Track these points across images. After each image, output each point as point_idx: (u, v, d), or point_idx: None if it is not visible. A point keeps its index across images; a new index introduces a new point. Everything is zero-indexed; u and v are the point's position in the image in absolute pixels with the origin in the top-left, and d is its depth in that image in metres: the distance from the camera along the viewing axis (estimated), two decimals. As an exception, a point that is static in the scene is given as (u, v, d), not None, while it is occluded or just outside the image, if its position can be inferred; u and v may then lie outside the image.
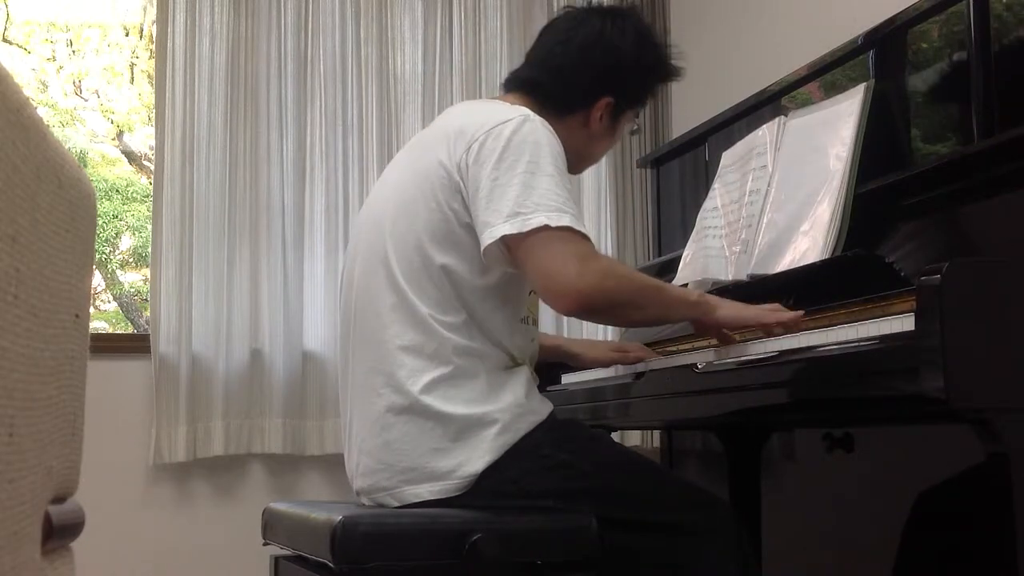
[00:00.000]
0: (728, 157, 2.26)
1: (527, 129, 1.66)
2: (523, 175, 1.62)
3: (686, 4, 3.59)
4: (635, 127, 2.00)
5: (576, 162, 1.89)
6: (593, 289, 1.60)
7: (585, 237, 1.63)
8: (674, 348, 2.06)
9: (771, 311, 1.69)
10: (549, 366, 2.37)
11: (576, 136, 1.85)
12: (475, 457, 1.63)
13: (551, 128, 1.70)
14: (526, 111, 1.71)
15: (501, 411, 1.66)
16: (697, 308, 1.74)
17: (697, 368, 1.76)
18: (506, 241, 1.60)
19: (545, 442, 1.67)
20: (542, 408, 1.72)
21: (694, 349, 1.96)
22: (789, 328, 1.65)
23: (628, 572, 1.66)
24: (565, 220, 1.60)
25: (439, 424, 1.64)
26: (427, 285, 1.68)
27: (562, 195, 1.63)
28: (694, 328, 1.83)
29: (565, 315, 1.71)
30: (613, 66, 1.85)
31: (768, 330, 1.67)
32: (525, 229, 1.59)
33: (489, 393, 1.67)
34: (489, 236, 1.61)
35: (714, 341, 1.80)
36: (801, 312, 1.67)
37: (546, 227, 1.59)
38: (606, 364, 2.14)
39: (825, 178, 1.88)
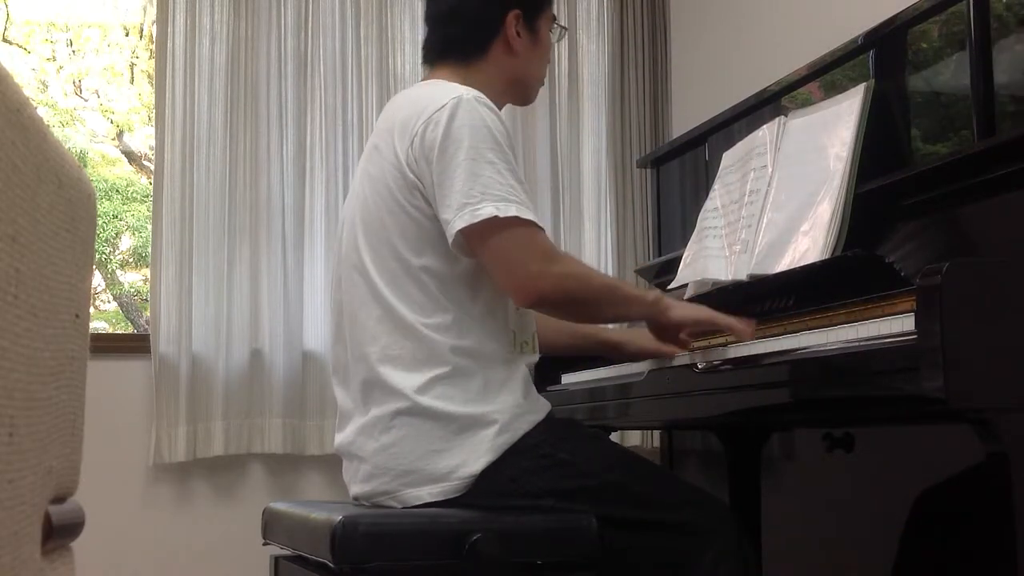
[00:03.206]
0: (728, 158, 2.26)
1: (463, 112, 1.65)
2: (465, 162, 1.62)
3: (686, 4, 3.59)
4: (561, 31, 1.95)
5: (522, 91, 1.86)
6: (553, 288, 1.66)
7: (537, 226, 1.65)
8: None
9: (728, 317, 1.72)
10: (549, 367, 2.37)
11: (508, 65, 1.83)
12: (474, 457, 1.63)
13: (486, 102, 1.69)
14: (459, 90, 1.69)
15: (499, 411, 1.66)
16: (653, 307, 1.77)
17: (697, 368, 1.76)
18: (462, 234, 1.61)
19: (544, 441, 1.67)
20: (540, 408, 1.72)
21: (694, 349, 1.96)
22: (741, 334, 1.68)
23: (628, 572, 1.66)
24: (512, 210, 1.61)
25: (437, 425, 1.64)
26: (411, 290, 1.67)
27: (506, 181, 1.63)
28: (650, 329, 1.85)
29: (522, 307, 1.73)
30: None
31: (725, 331, 1.71)
32: (475, 221, 1.60)
33: (487, 393, 1.66)
34: (449, 233, 1.62)
35: (715, 340, 1.80)
36: (754, 321, 1.70)
37: (495, 218, 1.60)
38: (655, 353, 1.99)
39: (825, 178, 1.88)
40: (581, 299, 1.72)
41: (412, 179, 1.67)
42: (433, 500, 1.64)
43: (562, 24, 1.95)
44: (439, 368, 1.65)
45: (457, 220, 1.61)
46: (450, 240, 1.63)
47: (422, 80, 1.93)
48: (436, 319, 1.66)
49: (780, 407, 1.64)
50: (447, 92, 1.70)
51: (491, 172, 1.63)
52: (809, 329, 1.60)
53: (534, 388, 1.76)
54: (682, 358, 1.86)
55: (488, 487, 1.63)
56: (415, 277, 1.67)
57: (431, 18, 1.89)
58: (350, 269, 1.75)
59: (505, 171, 1.64)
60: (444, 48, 1.85)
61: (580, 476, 1.65)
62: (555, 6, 1.94)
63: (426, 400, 1.64)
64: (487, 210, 1.60)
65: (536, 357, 1.80)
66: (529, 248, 1.64)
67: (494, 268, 1.66)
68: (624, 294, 1.79)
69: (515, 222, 1.62)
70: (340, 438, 1.80)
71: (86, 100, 5.82)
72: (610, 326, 2.36)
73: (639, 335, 2.06)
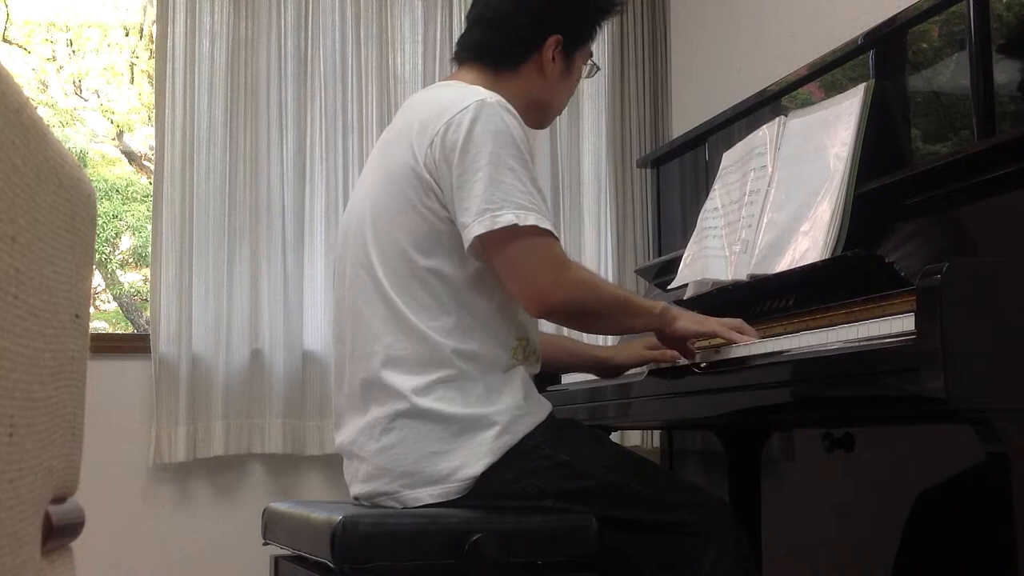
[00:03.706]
0: (728, 158, 2.26)
1: (485, 117, 1.65)
2: (487, 168, 1.62)
3: (686, 4, 3.59)
4: (593, 68, 1.95)
5: (540, 115, 1.87)
6: (564, 299, 1.66)
7: (554, 236, 1.66)
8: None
9: (731, 326, 1.73)
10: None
11: (535, 85, 1.83)
12: (474, 459, 1.63)
13: (508, 107, 1.69)
14: (482, 93, 1.69)
15: (500, 413, 1.65)
16: (660, 319, 1.77)
17: (697, 368, 1.76)
18: (480, 239, 1.62)
19: (544, 443, 1.67)
20: (541, 409, 1.72)
21: (677, 362, 1.97)
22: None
23: (628, 572, 1.66)
24: (531, 219, 1.61)
25: (437, 426, 1.64)
26: (417, 291, 1.67)
27: (527, 189, 1.63)
28: (657, 338, 1.86)
29: (534, 316, 1.73)
30: (550, 1, 1.83)
31: (723, 340, 1.72)
32: (495, 227, 1.60)
33: (488, 396, 1.66)
34: (467, 237, 1.63)
35: (715, 341, 1.80)
36: (756, 332, 1.72)
37: (514, 226, 1.60)
38: (640, 363, 2.03)
39: (825, 178, 1.88)
40: (591, 310, 1.72)
41: (428, 180, 1.67)
42: (433, 501, 1.64)
43: (596, 63, 1.96)
44: (441, 371, 1.65)
45: (476, 225, 1.61)
46: (466, 244, 1.63)
47: (446, 77, 1.93)
48: (440, 321, 1.66)
49: (780, 407, 1.64)
50: (470, 95, 1.69)
51: (512, 179, 1.63)
52: (809, 329, 1.60)
53: (535, 389, 1.76)
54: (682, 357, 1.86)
55: (489, 489, 1.63)
56: (421, 279, 1.67)
57: (473, 19, 1.89)
58: (356, 266, 1.75)
59: (526, 179, 1.64)
60: (478, 51, 1.84)
61: (580, 477, 1.65)
62: (596, 44, 1.94)
63: (426, 402, 1.64)
64: (507, 217, 1.60)
65: (538, 368, 1.80)
66: (543, 258, 1.64)
67: (508, 276, 1.66)
68: (633, 306, 1.79)
69: (533, 231, 1.62)
70: (340, 437, 1.80)
71: (86, 100, 5.82)
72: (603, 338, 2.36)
73: (623, 349, 2.09)
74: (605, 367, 2.08)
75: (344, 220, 1.88)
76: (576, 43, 1.86)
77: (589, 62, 1.93)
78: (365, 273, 1.72)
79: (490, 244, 1.62)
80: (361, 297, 1.72)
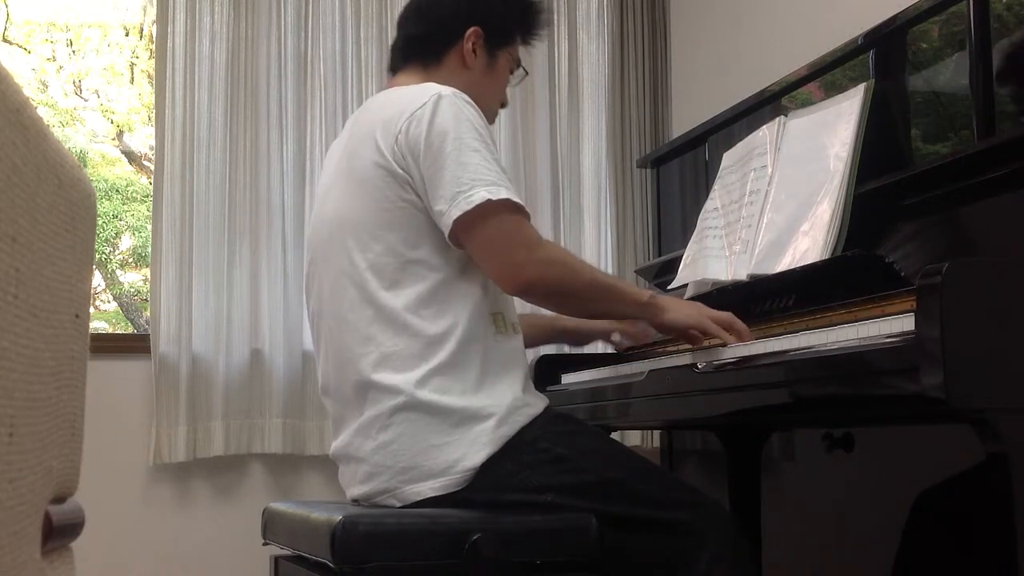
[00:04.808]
0: (728, 158, 2.26)
1: (443, 109, 1.68)
2: (453, 153, 1.65)
3: (686, 4, 3.59)
4: (521, 72, 1.96)
5: None
6: (539, 276, 1.68)
7: (525, 214, 1.68)
8: (674, 348, 2.06)
9: (719, 320, 1.74)
10: (549, 367, 2.37)
11: (460, 78, 1.85)
12: (474, 450, 1.64)
13: (465, 97, 1.72)
14: (437, 88, 1.72)
15: (496, 405, 1.66)
16: (646, 309, 1.77)
17: (697, 368, 1.76)
18: (456, 223, 1.63)
19: (543, 436, 1.68)
20: (537, 402, 1.73)
21: (695, 349, 1.96)
22: (741, 337, 1.71)
23: (626, 571, 1.66)
24: (503, 193, 1.64)
25: (435, 419, 1.64)
26: (407, 283, 1.68)
27: (493, 167, 1.66)
28: (653, 327, 1.87)
29: (509, 295, 1.74)
30: None
31: (712, 336, 1.73)
32: (469, 207, 1.62)
33: (484, 386, 1.67)
34: (446, 224, 1.64)
35: (715, 341, 1.80)
36: (747, 329, 1.72)
37: (488, 201, 1.62)
38: (605, 335, 2.12)
39: (825, 178, 1.88)
40: (568, 290, 1.72)
41: (401, 174, 1.69)
42: (434, 495, 1.64)
43: (524, 68, 1.97)
44: (435, 359, 1.66)
45: (453, 209, 1.63)
46: (447, 232, 1.65)
47: (386, 86, 1.94)
48: (432, 309, 1.67)
49: (780, 407, 1.64)
50: (427, 90, 1.72)
51: (478, 160, 1.65)
52: (809, 329, 1.60)
53: (532, 385, 1.77)
54: (682, 357, 1.86)
55: (488, 481, 1.63)
56: (411, 271, 1.68)
57: (399, 21, 1.94)
58: (336, 277, 1.75)
59: (490, 159, 1.67)
60: (406, 50, 1.89)
61: (579, 472, 1.66)
62: (521, 53, 1.96)
63: (424, 394, 1.64)
64: (480, 194, 1.62)
65: (521, 340, 1.80)
66: (515, 236, 1.66)
67: (482, 255, 1.68)
68: (616, 291, 1.80)
69: (506, 207, 1.64)
70: (336, 444, 1.79)
71: (86, 100, 5.82)
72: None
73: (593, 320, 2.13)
74: (572, 336, 2.15)
75: (312, 239, 1.87)
76: (498, 40, 1.89)
77: (519, 70, 1.95)
78: (348, 281, 1.72)
79: (464, 226, 1.64)
80: (345, 304, 1.72)
